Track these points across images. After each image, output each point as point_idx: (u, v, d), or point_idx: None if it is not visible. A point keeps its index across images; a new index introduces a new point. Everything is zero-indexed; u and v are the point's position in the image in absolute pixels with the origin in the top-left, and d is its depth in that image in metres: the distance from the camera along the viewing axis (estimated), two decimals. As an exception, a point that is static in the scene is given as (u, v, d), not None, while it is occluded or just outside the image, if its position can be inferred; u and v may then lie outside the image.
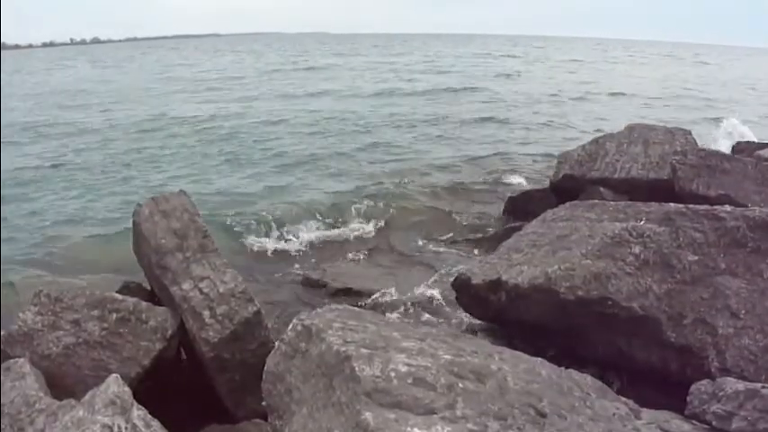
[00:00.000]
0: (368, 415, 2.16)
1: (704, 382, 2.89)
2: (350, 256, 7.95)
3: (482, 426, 2.26)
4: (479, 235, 8.50)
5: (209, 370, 4.15)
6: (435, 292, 6.47)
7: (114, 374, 3.14)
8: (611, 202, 5.16)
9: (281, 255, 8.02)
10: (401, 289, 6.62)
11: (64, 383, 3.79)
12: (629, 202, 5.02)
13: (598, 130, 14.83)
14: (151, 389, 3.93)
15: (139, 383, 3.85)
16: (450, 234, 8.75)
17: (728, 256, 4.12)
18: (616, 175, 7.83)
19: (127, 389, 3.00)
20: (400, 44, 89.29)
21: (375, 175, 12.42)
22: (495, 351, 2.97)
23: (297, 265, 7.60)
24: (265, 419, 3.30)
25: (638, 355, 4.11)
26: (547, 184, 9.26)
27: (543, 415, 2.46)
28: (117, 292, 4.72)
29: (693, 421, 2.77)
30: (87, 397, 3.00)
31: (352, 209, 9.88)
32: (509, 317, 4.66)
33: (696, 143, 8.03)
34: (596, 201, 5.44)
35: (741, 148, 9.36)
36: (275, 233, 8.78)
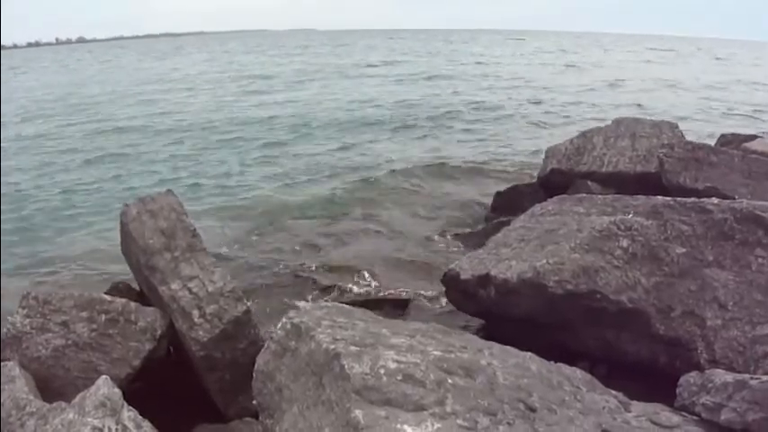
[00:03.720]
0: (358, 413, 2.16)
1: (693, 374, 2.90)
2: (338, 253, 7.93)
3: (472, 421, 2.26)
4: (468, 230, 8.51)
5: (199, 369, 4.14)
6: (424, 288, 6.48)
7: (104, 376, 3.14)
8: (599, 196, 5.17)
9: (269, 252, 7.99)
10: (390, 285, 6.62)
11: (54, 386, 3.77)
12: (617, 196, 5.03)
13: None
14: (141, 389, 3.93)
15: (129, 384, 3.85)
16: (439, 229, 8.76)
17: (716, 248, 4.14)
18: (604, 169, 7.84)
19: (117, 390, 3.00)
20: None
21: (362, 170, 12.43)
22: (484, 346, 2.98)
23: (285, 263, 7.58)
24: (256, 418, 3.30)
25: (627, 349, 4.13)
26: (535, 178, 9.27)
27: (533, 409, 2.47)
28: (105, 292, 4.70)
29: (683, 413, 2.78)
30: (77, 399, 2.99)
31: (341, 205, 9.87)
32: (498, 312, 4.67)
33: (683, 136, 8.05)
34: (584, 194, 5.46)
35: (728, 140, 9.37)
36: (264, 230, 8.77)
